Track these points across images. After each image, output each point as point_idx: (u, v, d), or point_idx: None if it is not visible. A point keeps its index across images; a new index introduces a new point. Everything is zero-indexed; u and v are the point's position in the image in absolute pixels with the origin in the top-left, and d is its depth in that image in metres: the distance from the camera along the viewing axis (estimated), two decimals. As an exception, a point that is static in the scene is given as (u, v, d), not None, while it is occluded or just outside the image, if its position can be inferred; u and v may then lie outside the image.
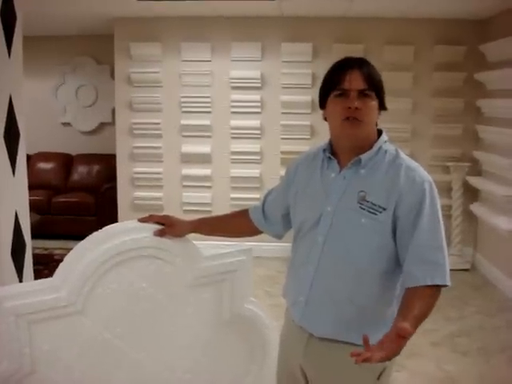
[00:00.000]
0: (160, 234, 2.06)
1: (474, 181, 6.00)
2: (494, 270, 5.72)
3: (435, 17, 6.01)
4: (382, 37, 6.19)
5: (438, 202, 1.78)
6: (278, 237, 2.16)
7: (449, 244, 6.09)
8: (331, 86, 1.79)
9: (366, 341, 1.48)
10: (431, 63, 6.21)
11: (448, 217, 6.18)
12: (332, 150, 1.89)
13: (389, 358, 1.48)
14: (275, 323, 2.33)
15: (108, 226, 2.04)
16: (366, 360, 1.44)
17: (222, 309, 2.25)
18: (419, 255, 1.72)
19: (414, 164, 1.81)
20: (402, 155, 1.83)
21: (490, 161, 5.71)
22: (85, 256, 1.97)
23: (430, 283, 1.69)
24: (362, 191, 1.77)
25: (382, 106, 1.83)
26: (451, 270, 5.34)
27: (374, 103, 1.78)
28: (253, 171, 6.45)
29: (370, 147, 1.82)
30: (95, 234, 2.00)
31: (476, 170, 6.11)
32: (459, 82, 6.17)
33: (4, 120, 2.94)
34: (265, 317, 2.34)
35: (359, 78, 1.75)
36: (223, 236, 2.20)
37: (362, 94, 1.75)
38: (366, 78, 1.76)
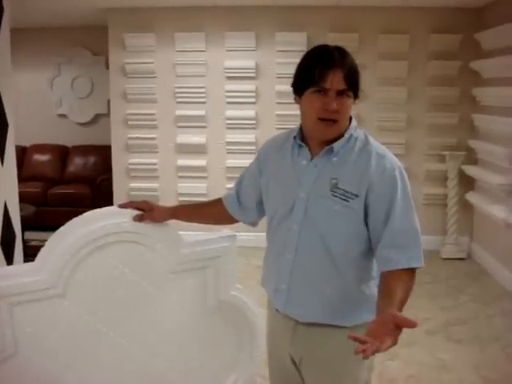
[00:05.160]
0: (139, 218, 2.07)
1: (470, 170, 5.99)
2: (489, 259, 5.72)
3: (430, 5, 5.98)
4: (377, 26, 6.17)
5: (409, 187, 1.81)
6: (253, 224, 2.18)
7: (445, 233, 6.11)
8: (311, 81, 1.77)
9: (355, 338, 1.43)
10: (426, 52, 6.19)
11: (444, 206, 6.19)
12: (302, 137, 1.90)
13: (393, 345, 1.44)
14: (262, 310, 2.34)
15: (88, 212, 2.04)
16: (375, 351, 1.38)
17: (206, 295, 2.25)
18: (394, 240, 1.75)
19: (383, 150, 1.83)
20: (371, 141, 1.85)
21: (485, 149, 5.69)
22: (64, 240, 1.97)
23: (406, 266, 1.72)
24: (334, 179, 1.79)
25: (355, 96, 1.83)
26: (448, 259, 5.36)
27: (351, 101, 1.80)
28: (248, 162, 6.30)
29: (342, 135, 1.83)
30: (75, 218, 2.01)
31: (472, 158, 6.10)
32: (454, 70, 6.15)
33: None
34: (252, 304, 2.34)
35: (341, 79, 1.74)
36: (200, 223, 2.21)
37: (340, 93, 1.75)
38: (347, 78, 1.75)
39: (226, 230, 2.30)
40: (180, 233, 2.19)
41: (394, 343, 1.44)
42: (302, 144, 1.89)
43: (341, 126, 1.81)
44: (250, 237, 3.60)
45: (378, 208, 1.75)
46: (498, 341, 4.16)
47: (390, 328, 1.44)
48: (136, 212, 2.08)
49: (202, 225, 2.20)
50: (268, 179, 1.98)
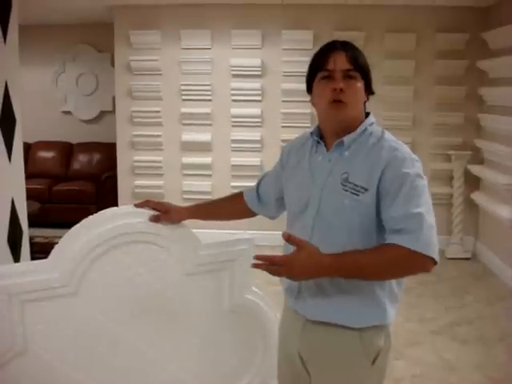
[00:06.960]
0: (155, 219, 2.06)
1: (476, 169, 5.97)
2: (494, 259, 5.70)
3: (437, 4, 5.96)
4: (384, 24, 6.15)
5: (422, 179, 1.71)
6: (272, 218, 2.18)
7: (450, 233, 6.09)
8: (317, 69, 1.80)
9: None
10: (433, 51, 6.16)
11: (449, 205, 6.18)
12: (320, 134, 1.90)
13: (286, 275, 1.67)
14: (278, 315, 2.31)
15: (103, 210, 2.03)
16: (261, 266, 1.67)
17: (221, 298, 2.23)
18: (395, 226, 1.66)
19: (398, 143, 1.78)
20: (387, 136, 1.80)
21: (491, 149, 5.67)
22: (78, 239, 1.97)
23: (402, 244, 1.62)
24: (345, 173, 1.77)
25: (369, 90, 1.83)
26: (453, 258, 5.31)
27: (360, 85, 1.78)
28: (253, 159, 6.43)
29: (354, 129, 1.81)
30: (90, 217, 2.00)
31: (477, 158, 6.08)
32: (461, 69, 6.13)
33: (0, 106, 2.92)
34: (267, 308, 2.31)
35: (343, 59, 1.76)
36: (220, 220, 2.22)
37: (346, 76, 1.76)
38: (351, 59, 1.76)
39: (241, 233, 2.28)
40: (196, 233, 2.16)
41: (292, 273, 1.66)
42: (319, 140, 1.88)
43: (350, 109, 1.77)
44: (254, 235, 3.58)
45: (386, 199, 1.71)
46: (503, 341, 4.15)
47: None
48: (152, 212, 2.07)
49: (207, 222, 2.18)
50: (287, 174, 1.97)
